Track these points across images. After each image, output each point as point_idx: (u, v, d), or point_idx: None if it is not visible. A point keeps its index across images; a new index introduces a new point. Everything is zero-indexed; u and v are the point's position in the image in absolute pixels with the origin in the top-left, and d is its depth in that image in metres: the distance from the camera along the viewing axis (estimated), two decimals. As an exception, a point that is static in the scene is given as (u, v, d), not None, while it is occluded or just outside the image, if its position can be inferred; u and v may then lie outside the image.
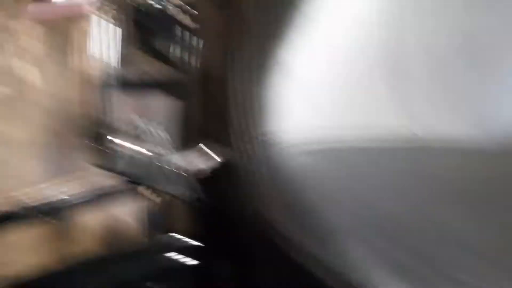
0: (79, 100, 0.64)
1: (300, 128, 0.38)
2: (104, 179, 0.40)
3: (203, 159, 0.47)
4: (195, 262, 0.48)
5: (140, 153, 0.39)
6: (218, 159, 0.41)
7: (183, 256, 0.48)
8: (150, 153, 0.40)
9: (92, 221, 0.96)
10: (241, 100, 0.36)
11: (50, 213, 0.39)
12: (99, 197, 0.38)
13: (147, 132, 0.39)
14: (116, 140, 0.35)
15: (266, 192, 0.30)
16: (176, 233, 0.68)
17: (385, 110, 0.41)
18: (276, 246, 0.30)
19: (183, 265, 0.48)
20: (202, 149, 0.48)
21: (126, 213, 0.97)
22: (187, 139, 0.61)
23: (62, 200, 0.37)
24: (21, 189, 0.38)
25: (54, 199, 0.38)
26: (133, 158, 0.39)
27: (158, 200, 0.74)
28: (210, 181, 0.52)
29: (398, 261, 0.26)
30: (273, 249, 0.30)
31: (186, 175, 0.43)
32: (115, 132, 0.37)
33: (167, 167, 0.40)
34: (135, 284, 0.48)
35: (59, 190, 0.38)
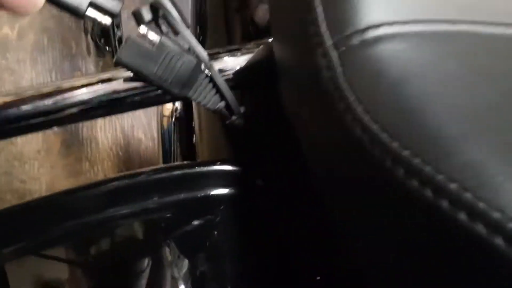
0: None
1: (403, 11, 0.28)
2: (114, 84, 0.28)
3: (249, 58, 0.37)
4: (229, 190, 0.39)
5: (155, 43, 0.31)
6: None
7: (215, 184, 0.40)
8: (170, 44, 0.31)
9: (105, 139, 0.90)
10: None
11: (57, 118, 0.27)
12: (111, 102, 0.27)
13: (167, 20, 0.32)
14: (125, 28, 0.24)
15: (369, 103, 0.19)
16: (205, 157, 0.59)
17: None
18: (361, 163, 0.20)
19: (215, 195, 0.39)
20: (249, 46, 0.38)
21: (143, 130, 0.91)
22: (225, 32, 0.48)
23: (69, 103, 0.26)
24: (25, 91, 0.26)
25: (61, 103, 0.26)
26: (146, 49, 0.30)
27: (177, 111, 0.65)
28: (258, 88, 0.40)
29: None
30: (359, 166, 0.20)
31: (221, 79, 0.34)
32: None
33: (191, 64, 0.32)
34: (158, 214, 0.39)
35: (64, 95, 0.26)
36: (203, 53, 0.32)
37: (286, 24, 0.32)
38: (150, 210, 0.39)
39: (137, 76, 0.31)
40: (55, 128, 0.36)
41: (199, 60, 0.32)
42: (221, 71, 0.37)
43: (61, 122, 0.33)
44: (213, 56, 0.38)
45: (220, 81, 0.33)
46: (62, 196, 0.38)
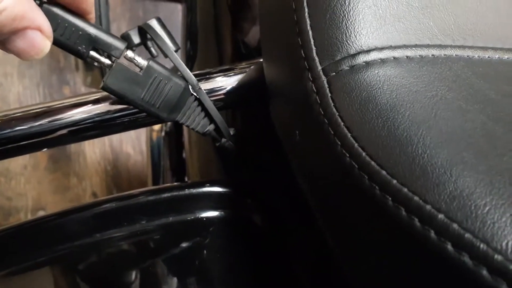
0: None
1: (392, 38, 0.29)
2: (103, 106, 0.28)
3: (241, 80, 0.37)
4: (220, 212, 0.39)
5: (143, 67, 0.30)
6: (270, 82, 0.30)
7: (205, 206, 0.39)
8: (157, 68, 0.31)
9: (93, 153, 0.90)
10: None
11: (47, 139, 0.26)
12: (100, 124, 0.26)
13: (154, 43, 0.32)
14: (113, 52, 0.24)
15: (358, 129, 0.20)
16: (195, 177, 0.58)
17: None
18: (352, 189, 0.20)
19: (205, 218, 0.39)
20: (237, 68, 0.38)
21: (132, 145, 0.90)
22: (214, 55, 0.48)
23: (58, 125, 0.26)
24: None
25: (50, 125, 0.26)
26: (133, 74, 0.30)
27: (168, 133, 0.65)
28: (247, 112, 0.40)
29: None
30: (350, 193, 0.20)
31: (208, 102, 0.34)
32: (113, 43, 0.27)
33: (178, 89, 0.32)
34: (147, 237, 0.39)
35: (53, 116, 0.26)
36: (191, 76, 0.32)
37: (277, 46, 0.32)
38: (139, 233, 0.39)
39: (124, 101, 0.31)
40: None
41: (187, 84, 0.32)
42: (212, 91, 0.37)
43: (50, 144, 0.33)
44: (204, 76, 0.38)
45: (209, 104, 0.33)
46: (49, 219, 0.38)
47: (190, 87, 0.32)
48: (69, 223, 0.36)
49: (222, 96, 0.38)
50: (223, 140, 0.35)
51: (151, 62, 0.30)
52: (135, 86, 0.30)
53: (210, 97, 0.36)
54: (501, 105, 0.26)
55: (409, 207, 0.21)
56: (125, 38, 0.30)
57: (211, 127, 0.34)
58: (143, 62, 0.30)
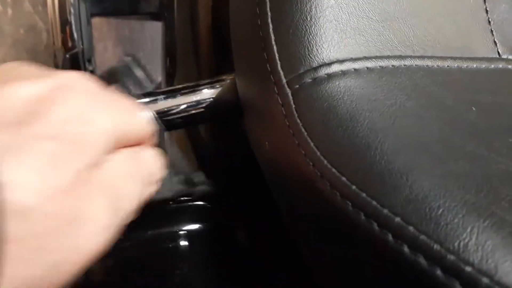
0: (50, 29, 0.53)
1: (353, 50, 0.30)
2: None
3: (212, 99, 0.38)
4: (199, 225, 0.40)
5: None
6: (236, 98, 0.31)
7: (185, 219, 0.40)
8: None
9: None
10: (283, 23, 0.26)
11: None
12: None
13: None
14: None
15: (320, 141, 0.20)
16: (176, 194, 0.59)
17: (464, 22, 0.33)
18: (320, 204, 0.21)
19: (185, 230, 0.40)
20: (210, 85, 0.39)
21: None
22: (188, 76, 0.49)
23: None
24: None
25: None
26: None
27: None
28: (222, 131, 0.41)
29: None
30: (318, 207, 0.21)
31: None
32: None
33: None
34: (127, 252, 0.39)
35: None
36: None
37: (246, 60, 0.33)
38: (120, 247, 0.39)
39: None
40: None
41: None
42: (190, 105, 0.38)
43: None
44: (182, 90, 0.39)
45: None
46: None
47: None
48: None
49: (201, 110, 0.39)
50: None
51: None
52: None
53: (188, 110, 0.37)
54: (459, 112, 0.27)
55: (368, 212, 0.22)
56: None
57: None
58: None
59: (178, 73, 0.53)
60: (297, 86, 0.28)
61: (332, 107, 0.26)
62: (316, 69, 0.28)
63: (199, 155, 0.40)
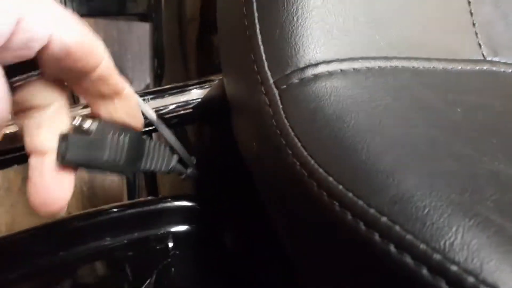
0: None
1: (341, 51, 0.30)
2: None
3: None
4: (187, 226, 0.40)
5: (92, 131, 0.28)
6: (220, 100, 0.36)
7: (172, 220, 0.40)
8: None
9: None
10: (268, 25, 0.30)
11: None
12: None
13: None
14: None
15: (306, 141, 0.20)
16: (163, 193, 0.59)
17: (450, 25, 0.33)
18: (307, 203, 0.21)
19: (173, 231, 0.40)
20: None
21: None
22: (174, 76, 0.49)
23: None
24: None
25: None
26: (87, 140, 0.27)
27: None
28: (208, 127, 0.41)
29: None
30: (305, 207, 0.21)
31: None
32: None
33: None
34: (114, 253, 0.39)
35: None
36: (151, 113, 0.32)
37: (234, 61, 0.33)
38: (106, 249, 0.39)
39: (89, 169, 0.28)
40: (16, 166, 0.35)
41: (141, 133, 0.30)
42: (179, 105, 0.38)
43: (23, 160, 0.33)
44: (172, 90, 0.38)
45: (170, 137, 0.33)
46: (17, 237, 0.38)
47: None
48: (32, 242, 0.36)
49: (190, 110, 0.39)
50: (188, 170, 0.35)
51: (100, 124, 0.27)
52: (94, 151, 0.27)
53: (176, 111, 0.36)
54: (444, 113, 0.27)
55: (355, 211, 0.22)
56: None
57: (174, 161, 0.34)
58: (92, 125, 0.27)
59: (166, 74, 0.53)
60: (284, 86, 0.28)
61: (319, 108, 0.26)
62: (303, 69, 0.28)
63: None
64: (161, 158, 0.33)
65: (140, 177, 0.74)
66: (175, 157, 0.34)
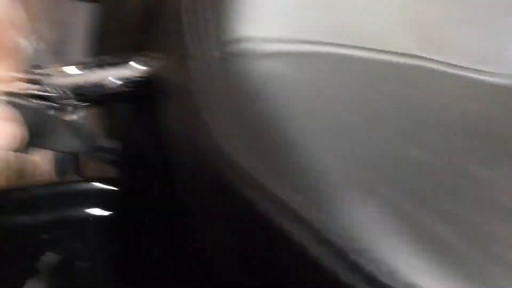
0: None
1: (273, 30, 0.29)
2: None
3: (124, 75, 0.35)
4: (108, 212, 0.38)
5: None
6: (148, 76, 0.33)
7: (93, 204, 0.38)
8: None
9: None
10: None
11: None
12: None
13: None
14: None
15: (223, 120, 0.19)
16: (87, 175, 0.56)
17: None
18: (228, 194, 0.19)
19: (93, 216, 0.38)
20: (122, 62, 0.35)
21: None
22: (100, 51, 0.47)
23: None
24: None
25: None
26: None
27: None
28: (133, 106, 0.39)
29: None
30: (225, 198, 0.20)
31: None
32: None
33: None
34: (30, 234, 0.37)
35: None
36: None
37: (161, 39, 0.32)
38: (22, 228, 0.37)
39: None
40: None
41: (44, 108, 0.29)
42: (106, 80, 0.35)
43: None
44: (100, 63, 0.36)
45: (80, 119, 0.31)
46: None
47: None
48: None
49: (120, 87, 0.36)
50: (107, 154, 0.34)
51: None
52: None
53: (104, 85, 0.34)
54: (368, 99, 0.27)
55: (264, 195, 0.21)
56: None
57: (89, 143, 0.32)
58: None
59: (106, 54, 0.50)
60: (207, 61, 0.26)
61: (241, 84, 0.25)
62: (226, 44, 0.27)
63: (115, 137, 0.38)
64: (76, 138, 0.31)
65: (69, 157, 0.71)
66: (92, 139, 0.32)
